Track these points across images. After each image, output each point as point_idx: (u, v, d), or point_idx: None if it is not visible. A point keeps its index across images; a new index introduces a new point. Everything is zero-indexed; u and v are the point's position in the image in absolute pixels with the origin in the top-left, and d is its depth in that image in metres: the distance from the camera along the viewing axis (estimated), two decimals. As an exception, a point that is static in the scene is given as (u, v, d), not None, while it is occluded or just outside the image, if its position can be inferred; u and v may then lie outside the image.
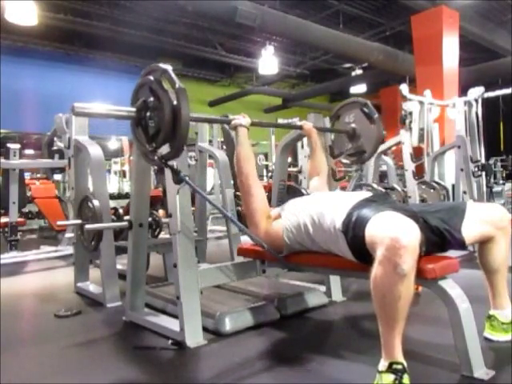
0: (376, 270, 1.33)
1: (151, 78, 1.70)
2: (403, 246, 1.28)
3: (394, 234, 1.30)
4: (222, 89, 12.77)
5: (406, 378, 1.34)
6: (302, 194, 3.00)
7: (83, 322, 2.37)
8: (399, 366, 1.35)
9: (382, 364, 1.38)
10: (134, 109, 1.76)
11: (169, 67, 1.67)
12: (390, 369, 1.35)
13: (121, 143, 11.67)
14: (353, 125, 2.62)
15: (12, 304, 2.80)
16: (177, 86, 1.60)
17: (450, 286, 1.48)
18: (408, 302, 1.33)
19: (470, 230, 1.63)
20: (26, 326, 2.42)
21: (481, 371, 1.46)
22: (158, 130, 1.67)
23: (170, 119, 1.60)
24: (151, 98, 1.69)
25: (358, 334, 2.10)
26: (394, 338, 1.36)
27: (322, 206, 1.72)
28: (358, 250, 1.51)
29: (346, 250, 1.56)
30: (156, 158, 1.73)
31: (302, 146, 4.83)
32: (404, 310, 1.33)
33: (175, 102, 1.59)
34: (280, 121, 8.87)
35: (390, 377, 1.33)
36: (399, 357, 1.36)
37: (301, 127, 2.48)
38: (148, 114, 1.71)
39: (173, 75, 1.63)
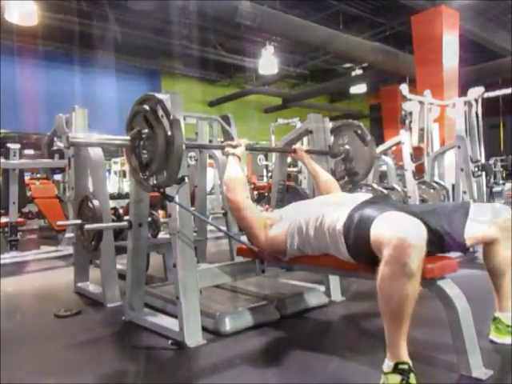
0: (383, 270, 1.32)
1: (146, 107, 1.71)
2: (412, 245, 1.27)
3: (401, 233, 1.29)
4: (222, 89, 12.77)
5: (412, 378, 1.33)
6: (302, 194, 3.00)
7: (83, 322, 2.38)
8: (405, 366, 1.34)
9: (387, 364, 1.36)
10: (128, 137, 1.77)
11: (164, 97, 1.68)
12: (396, 369, 1.34)
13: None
14: (346, 146, 2.73)
15: (12, 304, 2.81)
16: (171, 117, 1.62)
17: (449, 285, 1.48)
18: (414, 301, 1.33)
19: (473, 232, 1.61)
20: (25, 326, 2.42)
21: (479, 371, 1.46)
22: (152, 160, 1.69)
23: (164, 150, 1.63)
24: (146, 129, 1.71)
25: (357, 333, 2.10)
26: (399, 338, 1.35)
27: (323, 209, 1.72)
28: (359, 252, 1.50)
29: (344, 252, 1.56)
30: (150, 185, 1.76)
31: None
32: (410, 310, 1.33)
33: (169, 133, 1.61)
34: (280, 121, 8.92)
35: (397, 377, 1.33)
36: (405, 357, 1.36)
37: (294, 151, 2.51)
38: (142, 143, 1.74)
39: (168, 106, 1.65)
